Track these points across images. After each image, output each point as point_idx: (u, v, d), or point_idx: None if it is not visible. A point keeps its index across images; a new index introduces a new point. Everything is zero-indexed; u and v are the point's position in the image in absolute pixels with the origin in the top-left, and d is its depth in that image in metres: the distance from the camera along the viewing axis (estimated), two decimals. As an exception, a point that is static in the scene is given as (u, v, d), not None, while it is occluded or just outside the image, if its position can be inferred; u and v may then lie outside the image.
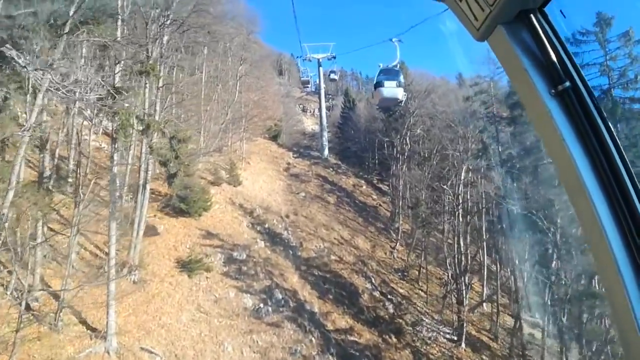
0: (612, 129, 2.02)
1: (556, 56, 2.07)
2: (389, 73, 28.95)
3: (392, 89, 28.84)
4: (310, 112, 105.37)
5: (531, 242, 35.17)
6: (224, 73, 52.38)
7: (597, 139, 2.01)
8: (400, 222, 51.74)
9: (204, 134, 46.52)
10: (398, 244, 49.80)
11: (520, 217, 33.72)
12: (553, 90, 2.08)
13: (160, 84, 30.44)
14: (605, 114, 2.05)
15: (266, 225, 42.08)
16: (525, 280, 36.33)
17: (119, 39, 25.07)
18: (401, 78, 28.74)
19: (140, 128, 24.26)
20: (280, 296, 33.03)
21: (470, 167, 40.92)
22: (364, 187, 60.88)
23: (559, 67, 2.06)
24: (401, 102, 31.69)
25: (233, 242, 36.29)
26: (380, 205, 58.11)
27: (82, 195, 25.31)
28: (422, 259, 46.24)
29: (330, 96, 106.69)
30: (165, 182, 34.69)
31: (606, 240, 1.95)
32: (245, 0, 77.63)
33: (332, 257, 42.38)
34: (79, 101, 25.54)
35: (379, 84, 28.80)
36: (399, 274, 45.55)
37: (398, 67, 31.79)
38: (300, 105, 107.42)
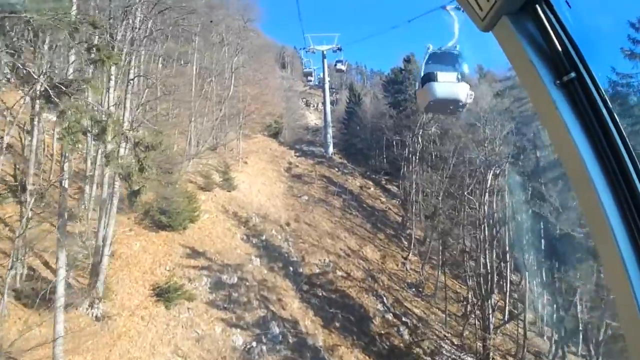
0: (618, 120, 1.94)
1: (561, 47, 1.99)
2: (444, 60, 18.17)
3: (450, 86, 17.83)
4: (314, 106, 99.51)
5: (571, 262, 29.14)
6: (219, 65, 46.14)
7: (603, 130, 1.94)
8: (413, 228, 45.58)
9: (194, 133, 40.41)
10: (410, 253, 43.75)
11: (561, 236, 27.70)
12: (558, 81, 2.00)
13: (131, 76, 24.23)
14: (611, 104, 1.95)
15: (263, 237, 36.01)
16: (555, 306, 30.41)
17: (73, 17, 18.93)
18: (464, 68, 18.08)
19: (96, 131, 18.14)
20: (277, 330, 27.06)
21: (498, 173, 34.56)
22: (372, 188, 54.65)
23: (564, 57, 1.98)
24: (464, 105, 18.79)
25: (223, 261, 30.26)
26: (389, 209, 51.90)
27: (28, 209, 19.51)
28: (439, 271, 40.23)
29: (334, 90, 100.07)
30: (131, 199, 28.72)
31: (611, 233, 1.86)
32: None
33: (339, 273, 36.38)
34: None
35: (428, 78, 17.76)
36: (413, 289, 39.52)
37: (457, 50, 19.02)
38: (304, 99, 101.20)
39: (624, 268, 1.83)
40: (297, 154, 58.56)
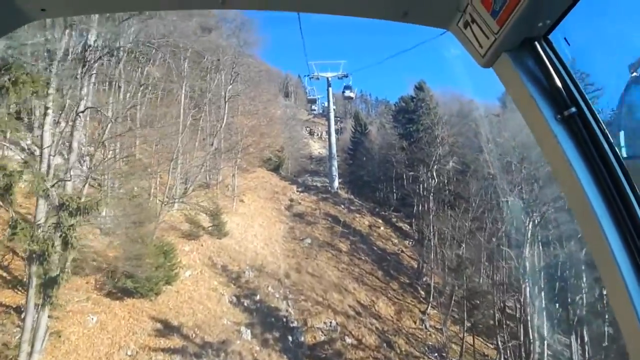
0: (619, 154, 1.93)
1: (561, 82, 1.98)
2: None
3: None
4: (318, 135, 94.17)
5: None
6: (213, 94, 40.12)
7: (604, 163, 1.91)
8: (431, 277, 38.67)
9: (181, 171, 34.11)
10: (429, 306, 36.77)
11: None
12: (559, 116, 1.97)
13: (81, 108, 17.92)
14: (612, 138, 1.95)
15: (257, 297, 29.24)
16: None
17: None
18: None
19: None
20: None
21: (539, 221, 27.78)
22: (382, 227, 47.85)
23: (564, 93, 1.97)
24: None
25: (203, 338, 23.44)
26: (402, 251, 44.98)
27: None
28: (464, 331, 33.18)
29: (339, 119, 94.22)
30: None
31: (616, 266, 1.81)
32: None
33: (348, 340, 29.52)
34: None
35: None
36: (436, 354, 32.41)
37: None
38: (307, 128, 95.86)
39: (630, 300, 1.76)
40: (300, 189, 52.04)
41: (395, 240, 46.32)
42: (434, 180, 44.68)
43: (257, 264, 32.64)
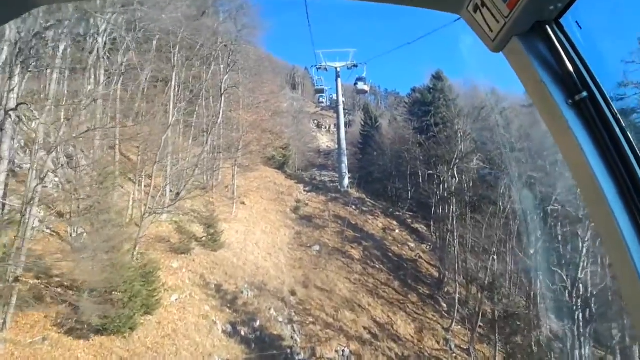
0: (632, 139, 1.86)
1: (573, 67, 1.91)
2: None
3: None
4: (326, 128, 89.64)
5: None
6: (206, 85, 35.04)
7: (616, 149, 1.85)
8: (456, 288, 33.63)
9: (171, 174, 29.25)
10: (454, 322, 31.83)
11: None
12: (570, 101, 1.91)
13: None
14: (624, 123, 1.87)
15: (257, 324, 24.39)
16: None
17: None
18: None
19: None
20: None
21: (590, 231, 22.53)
22: (397, 230, 42.74)
23: (575, 77, 1.90)
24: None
25: (186, 388, 18.60)
26: (419, 257, 39.87)
27: None
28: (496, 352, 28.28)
29: (347, 111, 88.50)
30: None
31: (627, 251, 1.76)
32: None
33: (364, 373, 24.59)
34: None
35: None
36: (465, 384, 27.54)
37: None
38: (315, 121, 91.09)
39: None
40: (307, 189, 46.99)
41: (412, 245, 41.21)
42: (454, 180, 39.47)
43: (258, 281, 27.77)
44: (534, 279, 26.67)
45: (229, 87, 33.28)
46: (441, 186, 39.15)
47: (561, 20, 1.94)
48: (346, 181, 50.07)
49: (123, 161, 28.96)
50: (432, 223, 43.92)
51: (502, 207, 32.79)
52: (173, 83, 31.38)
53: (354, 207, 44.21)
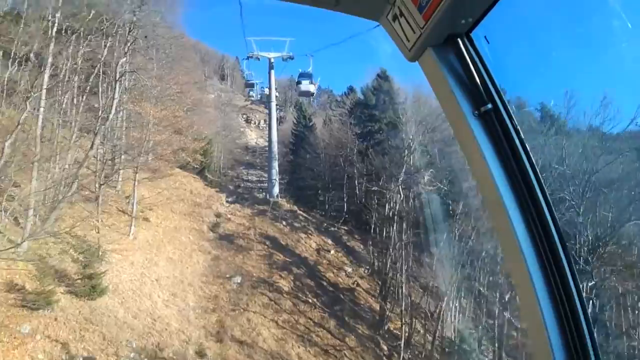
0: (529, 150, 1.94)
1: (480, 79, 1.97)
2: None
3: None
4: (255, 123, 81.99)
5: None
6: (101, 67, 25.73)
7: (515, 159, 1.93)
8: (402, 327, 27.91)
9: (32, 189, 20.12)
10: (398, 372, 26.04)
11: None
12: (476, 112, 1.95)
13: None
14: (523, 135, 1.95)
15: None
16: None
17: None
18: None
19: None
20: None
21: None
22: (332, 251, 36.10)
23: (482, 89, 1.96)
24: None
25: None
26: (357, 284, 33.56)
27: None
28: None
29: (279, 107, 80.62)
30: None
31: (520, 253, 1.86)
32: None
33: None
34: None
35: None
36: None
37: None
38: (244, 115, 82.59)
39: (534, 290, 1.81)
40: (230, 199, 38.87)
41: (349, 269, 34.79)
42: (399, 196, 33.56)
43: (152, 343, 19.62)
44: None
45: (126, 72, 24.27)
46: (385, 203, 33.01)
47: (472, 34, 1.95)
48: (276, 189, 42.59)
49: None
50: (370, 241, 38.05)
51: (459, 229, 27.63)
52: (49, 62, 22.01)
53: (284, 222, 36.93)
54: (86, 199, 26.14)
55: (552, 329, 1.80)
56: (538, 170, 1.91)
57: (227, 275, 28.39)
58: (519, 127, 1.94)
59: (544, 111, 22.42)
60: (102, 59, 23.52)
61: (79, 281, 19.86)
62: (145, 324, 20.46)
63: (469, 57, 1.95)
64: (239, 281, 28.20)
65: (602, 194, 20.42)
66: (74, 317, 18.44)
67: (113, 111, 22.85)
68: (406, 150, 32.69)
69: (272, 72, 46.10)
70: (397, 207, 33.04)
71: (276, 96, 54.30)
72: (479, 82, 1.93)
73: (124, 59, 23.41)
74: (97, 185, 26.92)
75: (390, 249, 32.47)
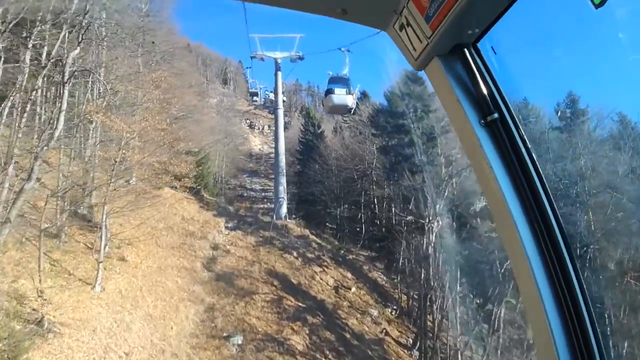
0: (536, 159, 1.87)
1: (486, 89, 1.90)
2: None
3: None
4: (259, 129, 76.70)
5: None
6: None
7: (522, 168, 1.87)
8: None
9: None
10: None
11: None
12: (483, 121, 1.89)
13: None
14: (529, 144, 1.89)
15: None
16: None
17: None
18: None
19: None
20: None
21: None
22: (353, 288, 28.92)
23: (488, 99, 1.89)
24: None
25: None
26: (386, 332, 26.49)
27: None
28: None
29: (283, 112, 73.86)
30: None
31: (527, 261, 1.80)
32: None
33: None
34: None
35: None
36: None
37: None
38: (247, 121, 76.73)
39: (540, 297, 1.77)
40: (230, 224, 31.53)
41: (375, 312, 27.58)
42: (437, 224, 26.31)
43: None
44: None
45: (77, 71, 17.03)
46: (424, 238, 25.76)
47: (479, 45, 1.91)
48: (284, 209, 35.51)
49: None
50: (394, 271, 31.12)
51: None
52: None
53: (294, 253, 29.73)
54: (47, 236, 19.08)
55: (556, 331, 1.73)
56: (545, 180, 1.85)
57: (225, 335, 21.19)
58: (525, 137, 1.88)
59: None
60: (44, 53, 16.26)
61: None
62: None
63: (476, 67, 1.87)
64: (239, 342, 21.02)
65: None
66: None
67: (61, 126, 15.60)
68: (448, 169, 25.51)
69: (279, 74, 38.96)
70: (437, 242, 25.84)
71: (284, 101, 47.26)
72: (485, 92, 1.86)
73: (76, 52, 16.13)
74: (58, 216, 19.89)
75: (431, 291, 25.36)
